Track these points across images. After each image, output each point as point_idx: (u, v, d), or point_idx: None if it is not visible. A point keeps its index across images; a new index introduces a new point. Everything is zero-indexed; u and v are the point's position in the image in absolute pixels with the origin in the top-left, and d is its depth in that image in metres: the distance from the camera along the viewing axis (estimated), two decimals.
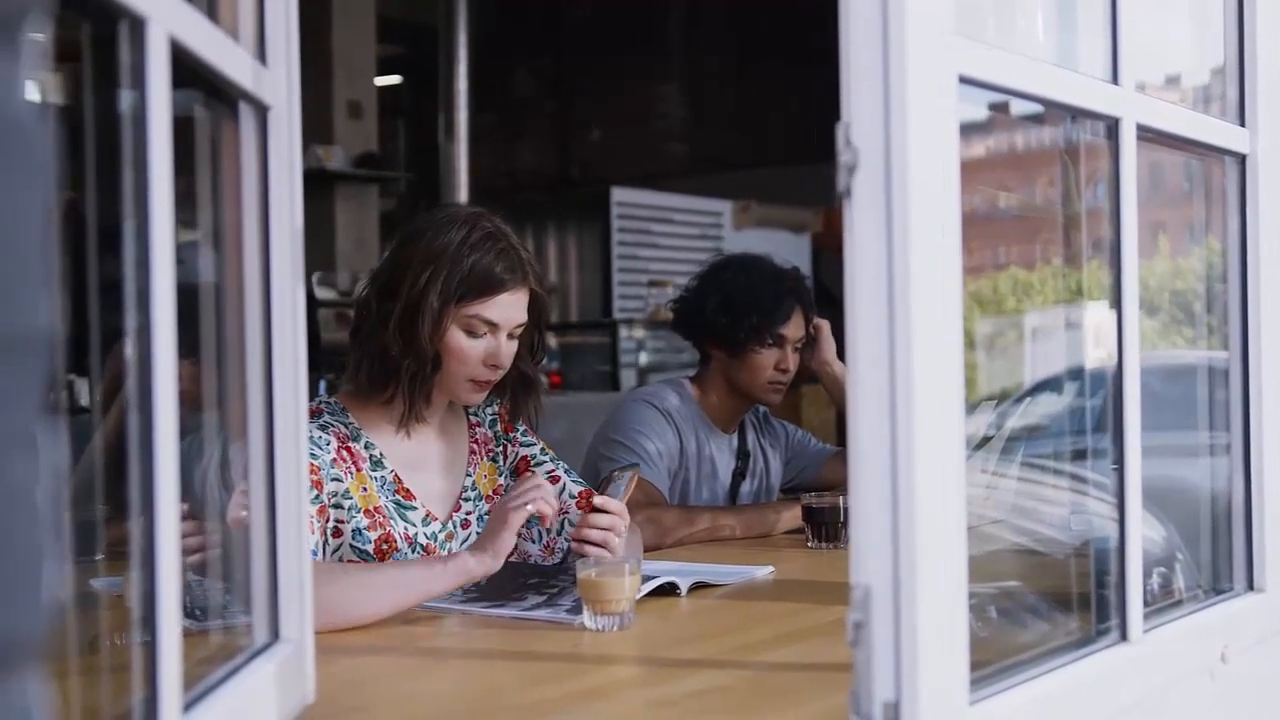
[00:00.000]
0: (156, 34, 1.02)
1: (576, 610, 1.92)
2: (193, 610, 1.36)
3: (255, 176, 1.37)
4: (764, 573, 2.37)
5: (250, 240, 1.37)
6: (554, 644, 1.83)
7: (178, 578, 1.04)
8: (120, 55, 1.01)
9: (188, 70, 1.13)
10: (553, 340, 7.78)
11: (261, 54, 1.37)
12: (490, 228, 2.24)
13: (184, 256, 1.10)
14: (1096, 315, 1.92)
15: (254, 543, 1.38)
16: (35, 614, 0.60)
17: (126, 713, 1.04)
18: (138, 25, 1.00)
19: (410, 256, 2.20)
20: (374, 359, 2.21)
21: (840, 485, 3.01)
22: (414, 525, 2.23)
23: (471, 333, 2.21)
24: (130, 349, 1.03)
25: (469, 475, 2.36)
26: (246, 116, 1.35)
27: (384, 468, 2.24)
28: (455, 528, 2.31)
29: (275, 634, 1.39)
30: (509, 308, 2.23)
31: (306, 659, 1.43)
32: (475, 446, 2.40)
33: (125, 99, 1.03)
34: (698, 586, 2.20)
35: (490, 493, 2.38)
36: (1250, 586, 1.83)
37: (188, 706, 1.10)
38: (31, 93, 0.61)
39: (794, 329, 3.06)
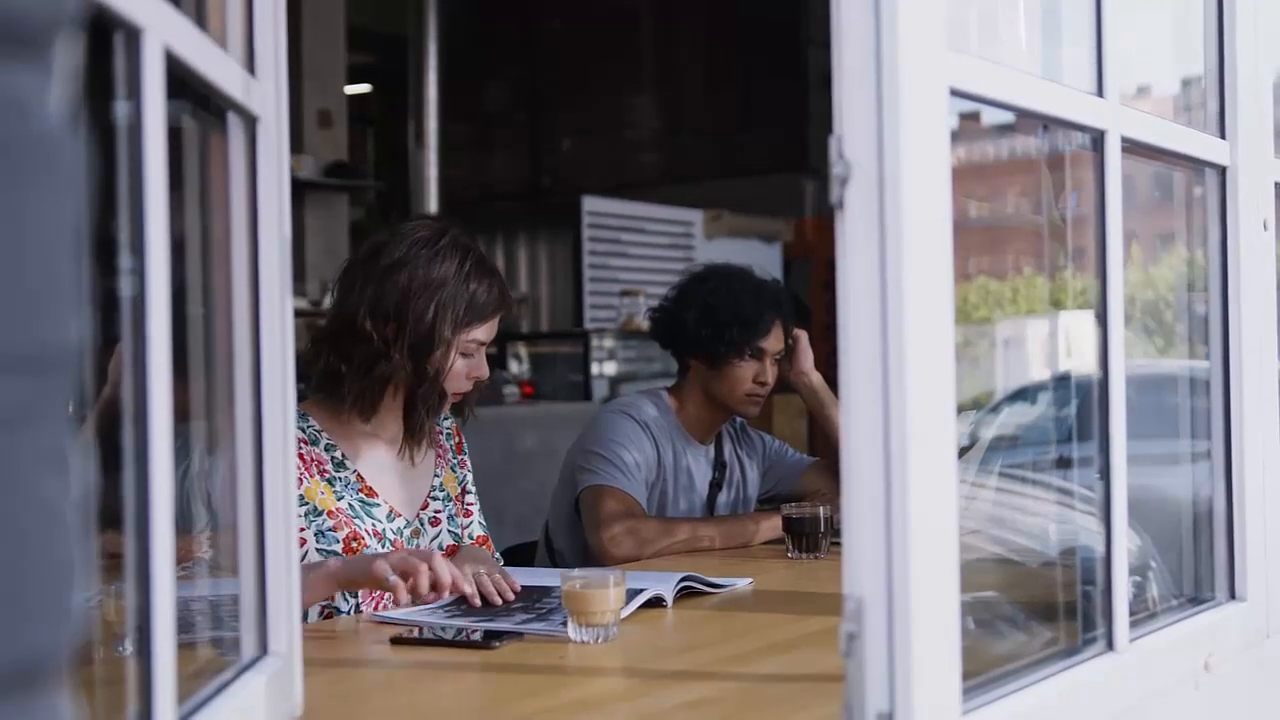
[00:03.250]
0: (152, 44, 1.01)
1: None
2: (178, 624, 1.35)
3: (244, 187, 1.36)
4: (744, 584, 2.37)
5: (239, 251, 1.36)
6: (540, 656, 1.82)
7: (173, 592, 1.03)
8: (115, 65, 1.01)
9: (178, 80, 1.12)
10: (524, 350, 7.76)
11: (251, 65, 1.36)
12: (477, 252, 2.36)
13: (171, 267, 1.10)
14: (1069, 325, 1.94)
15: (242, 557, 1.37)
16: (66, 630, 0.59)
17: None
18: (134, 35, 0.99)
19: (405, 284, 2.26)
20: (378, 385, 2.28)
21: (818, 495, 3.02)
22: (380, 521, 2.30)
23: (465, 354, 2.32)
24: (125, 360, 1.02)
25: (437, 476, 2.45)
26: (235, 127, 1.35)
27: (347, 469, 2.31)
28: (424, 524, 2.39)
29: (264, 648, 1.38)
30: (496, 326, 2.37)
31: (295, 673, 1.42)
32: (440, 451, 2.49)
33: (120, 109, 1.02)
34: (684, 593, 2.21)
35: (453, 495, 2.48)
36: (1232, 596, 1.84)
37: None
38: (61, 107, 0.61)
39: (774, 342, 3.06)
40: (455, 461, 2.52)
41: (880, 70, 1.17)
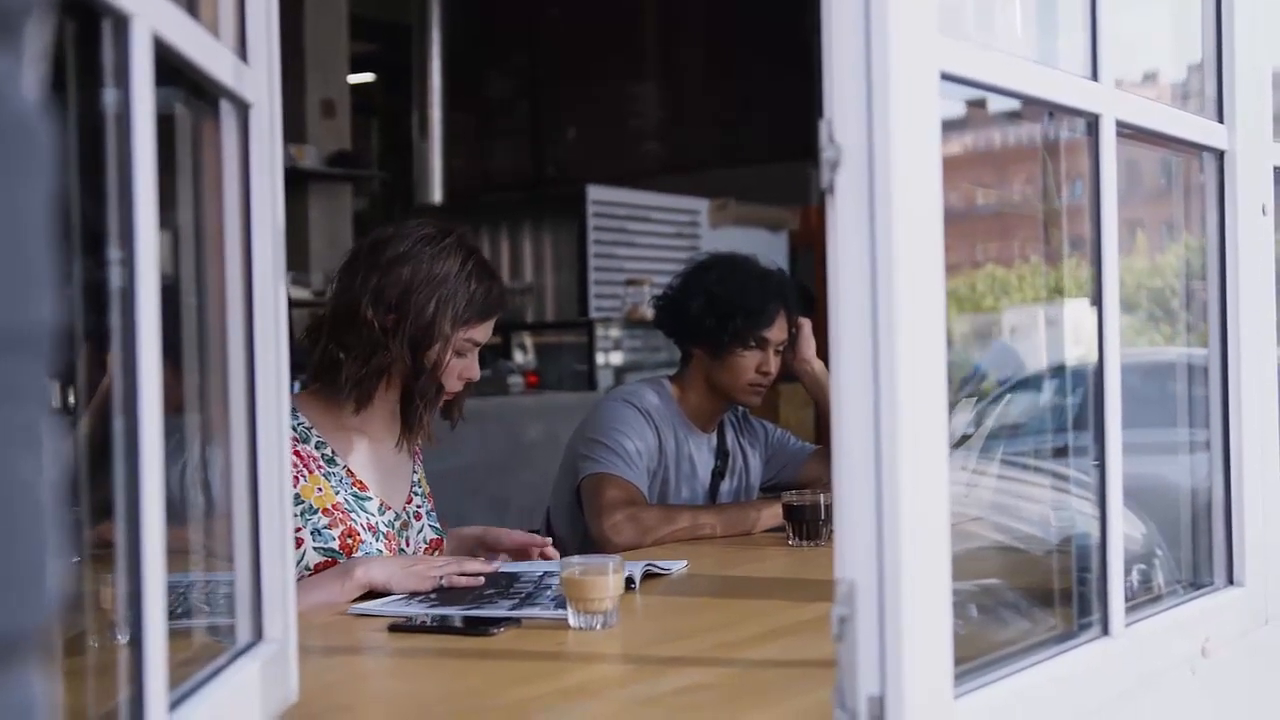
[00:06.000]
0: (140, 31, 1.01)
1: (562, 604, 1.92)
2: (173, 610, 1.35)
3: (236, 175, 1.37)
4: (679, 566, 2.41)
5: (231, 239, 1.37)
6: (537, 643, 1.83)
7: (163, 579, 1.04)
8: (103, 52, 1.01)
9: (169, 68, 1.12)
10: (529, 340, 7.76)
11: (243, 51, 1.36)
12: (480, 255, 2.39)
13: (162, 256, 1.10)
14: (1075, 313, 1.93)
15: (237, 543, 1.38)
16: (40, 609, 0.60)
17: (112, 712, 1.04)
18: (121, 23, 1.00)
19: (408, 278, 2.29)
20: (375, 375, 2.30)
21: (820, 483, 3.02)
22: (373, 515, 2.34)
23: (459, 353, 2.35)
24: (113, 350, 1.02)
25: (415, 472, 2.50)
26: (228, 114, 1.35)
27: (337, 464, 2.33)
28: (410, 518, 2.44)
29: (259, 633, 1.38)
30: (491, 329, 2.40)
31: (290, 658, 1.43)
32: (416, 449, 2.52)
33: (108, 96, 1.02)
34: (648, 576, 2.26)
35: (428, 493, 2.53)
36: (1230, 581, 1.84)
37: (173, 705, 1.10)
38: (33, 90, 0.61)
39: (777, 332, 3.06)
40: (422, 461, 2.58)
41: (870, 54, 1.17)
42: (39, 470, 0.60)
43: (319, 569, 2.22)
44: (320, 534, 2.25)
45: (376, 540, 2.31)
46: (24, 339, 0.58)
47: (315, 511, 2.26)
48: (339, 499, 2.29)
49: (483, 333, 2.37)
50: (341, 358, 2.29)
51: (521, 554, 2.44)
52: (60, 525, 0.62)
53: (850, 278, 1.18)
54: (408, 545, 2.39)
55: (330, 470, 2.31)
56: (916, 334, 1.19)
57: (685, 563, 2.44)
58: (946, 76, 1.26)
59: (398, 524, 2.39)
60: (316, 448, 2.32)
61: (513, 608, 2.00)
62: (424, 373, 2.30)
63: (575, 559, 1.98)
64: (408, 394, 2.33)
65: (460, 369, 2.36)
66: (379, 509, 2.35)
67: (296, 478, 2.23)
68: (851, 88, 1.18)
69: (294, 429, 2.29)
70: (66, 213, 1.01)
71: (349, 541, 2.26)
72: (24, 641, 0.58)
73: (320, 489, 2.28)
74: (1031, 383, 2.65)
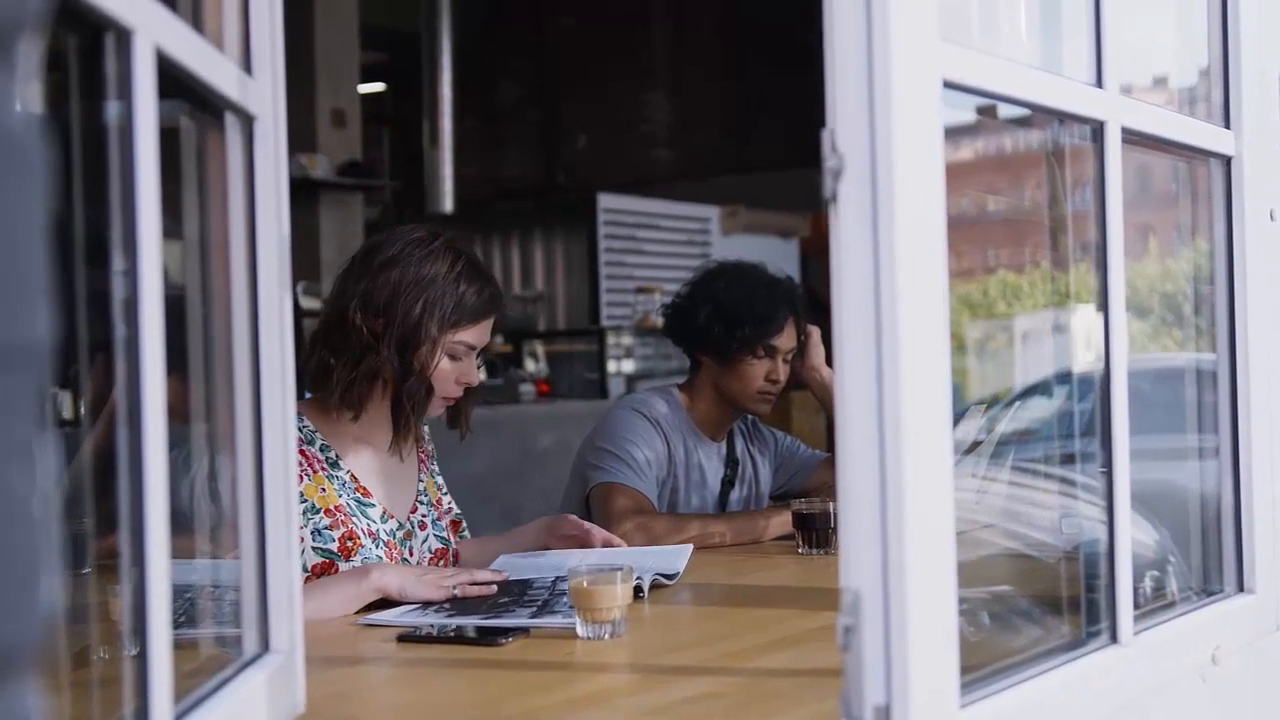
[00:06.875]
0: (143, 45, 1.01)
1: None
2: (179, 620, 1.36)
3: (241, 187, 1.37)
4: (686, 552, 2.44)
5: (237, 251, 1.37)
6: (546, 653, 1.82)
7: (168, 590, 1.04)
8: (106, 66, 1.01)
9: (173, 80, 1.13)
10: (540, 348, 7.76)
11: (247, 64, 1.37)
12: (470, 257, 2.38)
13: (169, 268, 1.10)
14: (1086, 319, 1.93)
15: (244, 554, 1.38)
16: (33, 623, 0.60)
17: None
18: (124, 36, 1.00)
19: (396, 281, 2.30)
20: (365, 379, 2.31)
21: (830, 491, 3.01)
22: (374, 522, 2.34)
23: (453, 356, 2.35)
24: (118, 361, 1.03)
25: (420, 481, 2.49)
26: (232, 127, 1.35)
27: (341, 469, 2.34)
28: (414, 528, 2.43)
29: (265, 645, 1.38)
30: (487, 332, 2.39)
31: (297, 670, 1.43)
32: (423, 457, 2.53)
33: (111, 109, 1.02)
34: (656, 586, 2.25)
35: (435, 501, 2.52)
36: (1240, 588, 1.83)
37: (178, 717, 1.10)
38: (27, 104, 0.61)
39: (786, 340, 3.05)
40: (434, 469, 2.57)
41: (872, 62, 1.17)
42: (32, 485, 0.60)
43: (316, 570, 2.23)
44: (321, 534, 2.25)
45: (376, 547, 2.31)
46: (18, 355, 0.59)
47: (318, 511, 2.26)
48: (341, 501, 2.30)
49: (475, 336, 2.35)
50: (332, 363, 2.30)
51: (582, 543, 2.48)
52: (54, 540, 0.62)
53: (854, 286, 1.18)
54: (411, 555, 2.39)
55: (333, 473, 2.32)
56: (920, 342, 1.19)
57: (690, 547, 2.46)
58: (949, 84, 1.26)
59: (400, 533, 2.39)
60: (321, 450, 2.32)
61: (530, 616, 1.99)
62: (413, 374, 2.30)
63: (583, 568, 1.97)
64: (398, 398, 2.33)
65: (456, 373, 2.35)
66: (381, 516, 2.35)
67: (300, 476, 2.24)
68: (854, 96, 1.18)
69: (300, 431, 2.30)
70: (72, 225, 1.02)
71: (348, 545, 2.27)
72: (18, 656, 0.59)
73: (324, 489, 2.29)
74: (1042, 389, 2.65)
